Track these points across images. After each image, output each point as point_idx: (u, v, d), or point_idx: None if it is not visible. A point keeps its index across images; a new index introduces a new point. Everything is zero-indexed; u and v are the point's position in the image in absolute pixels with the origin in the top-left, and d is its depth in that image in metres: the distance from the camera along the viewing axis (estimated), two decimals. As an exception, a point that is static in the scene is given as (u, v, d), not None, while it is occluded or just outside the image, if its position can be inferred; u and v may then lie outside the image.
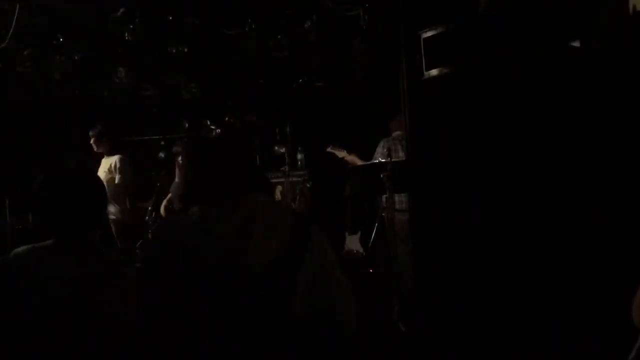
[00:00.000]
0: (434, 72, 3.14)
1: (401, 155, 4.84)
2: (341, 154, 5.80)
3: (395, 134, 5.52)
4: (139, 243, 5.81)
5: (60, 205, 1.97)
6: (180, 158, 5.11)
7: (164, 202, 5.76)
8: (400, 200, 5.14)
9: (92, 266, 1.94)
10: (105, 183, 2.28)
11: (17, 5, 4.95)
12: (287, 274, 1.68)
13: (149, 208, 5.92)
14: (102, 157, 6.04)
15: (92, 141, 5.93)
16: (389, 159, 4.60)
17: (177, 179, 5.28)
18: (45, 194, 1.98)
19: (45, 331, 1.82)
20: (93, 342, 1.85)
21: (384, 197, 5.31)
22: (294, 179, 6.88)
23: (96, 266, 1.94)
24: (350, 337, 1.79)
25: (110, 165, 5.89)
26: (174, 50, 5.98)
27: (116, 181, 5.86)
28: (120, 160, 5.90)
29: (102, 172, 5.84)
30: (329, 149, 5.88)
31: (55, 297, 1.84)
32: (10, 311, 1.83)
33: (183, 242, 1.69)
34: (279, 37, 5.81)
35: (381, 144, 5.48)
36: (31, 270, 1.88)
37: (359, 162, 5.60)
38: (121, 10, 5.36)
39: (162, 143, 7.18)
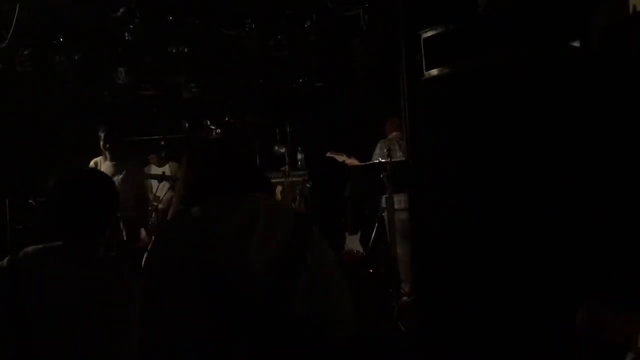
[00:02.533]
0: (434, 72, 3.14)
1: (399, 155, 4.85)
2: (341, 157, 5.81)
3: (392, 134, 5.54)
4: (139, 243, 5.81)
5: (71, 207, 1.97)
6: None
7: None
8: (400, 200, 5.14)
9: (99, 269, 1.95)
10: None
11: (17, 5, 4.95)
12: (287, 274, 1.68)
13: (149, 208, 5.92)
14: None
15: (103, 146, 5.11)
16: (389, 159, 4.60)
17: None
18: (57, 196, 1.99)
19: (47, 331, 1.82)
20: (93, 342, 1.85)
21: (383, 197, 5.31)
22: (294, 179, 6.88)
23: (103, 269, 1.95)
24: (350, 337, 1.79)
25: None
26: (174, 50, 5.98)
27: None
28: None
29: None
30: (328, 154, 5.90)
31: (60, 299, 1.84)
32: (15, 310, 1.83)
33: (183, 242, 1.69)
34: (279, 37, 5.81)
35: (379, 145, 5.51)
36: (39, 271, 1.88)
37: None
38: (121, 10, 5.35)
39: (162, 143, 7.18)
